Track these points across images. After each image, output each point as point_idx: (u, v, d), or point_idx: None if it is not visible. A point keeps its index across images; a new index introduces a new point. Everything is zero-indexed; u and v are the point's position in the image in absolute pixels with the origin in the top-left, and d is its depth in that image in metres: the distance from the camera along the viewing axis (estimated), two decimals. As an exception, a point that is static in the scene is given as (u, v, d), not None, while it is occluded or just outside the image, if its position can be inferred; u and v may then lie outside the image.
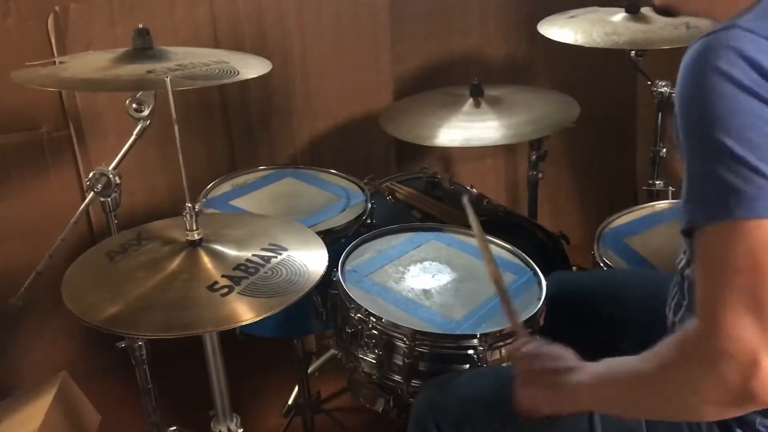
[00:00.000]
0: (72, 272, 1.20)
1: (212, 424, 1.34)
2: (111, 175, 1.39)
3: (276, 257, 1.21)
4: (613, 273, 1.54)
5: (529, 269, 1.46)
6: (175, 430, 1.67)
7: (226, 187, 1.82)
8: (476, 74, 2.02)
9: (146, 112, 1.40)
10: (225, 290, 1.11)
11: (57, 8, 1.84)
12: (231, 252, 1.21)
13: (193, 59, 1.46)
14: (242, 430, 1.35)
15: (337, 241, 1.56)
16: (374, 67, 2.31)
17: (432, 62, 2.40)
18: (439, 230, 1.61)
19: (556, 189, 2.66)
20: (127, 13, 1.91)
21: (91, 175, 1.38)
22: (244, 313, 1.08)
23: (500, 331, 1.26)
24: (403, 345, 1.26)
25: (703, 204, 0.79)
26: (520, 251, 1.51)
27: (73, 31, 1.87)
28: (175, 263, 1.17)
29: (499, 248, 1.54)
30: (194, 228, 1.19)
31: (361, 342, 1.31)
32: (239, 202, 1.74)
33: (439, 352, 1.27)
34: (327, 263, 1.22)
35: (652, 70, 2.00)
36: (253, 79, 1.48)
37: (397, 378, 1.29)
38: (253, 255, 1.21)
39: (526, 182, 2.26)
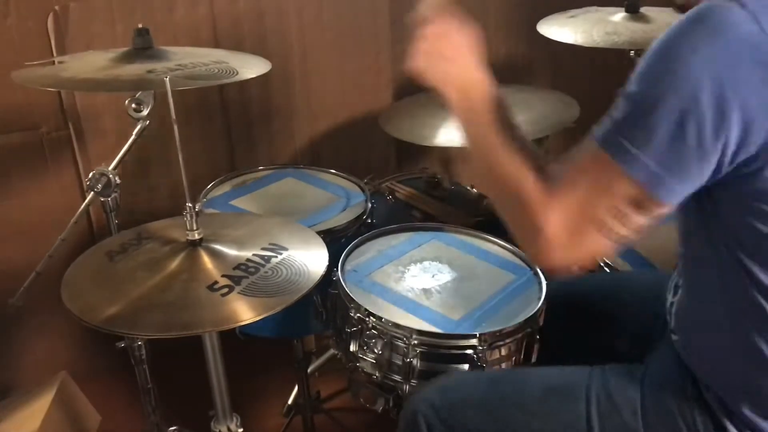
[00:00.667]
0: (72, 272, 1.19)
1: (212, 424, 1.34)
2: (111, 175, 1.39)
3: (276, 257, 1.21)
4: (612, 273, 1.54)
5: (529, 269, 1.46)
6: (175, 430, 1.67)
7: (226, 187, 1.82)
8: (476, 74, 2.02)
9: (146, 112, 1.40)
10: (225, 290, 1.11)
11: (57, 8, 1.84)
12: (231, 252, 1.21)
13: (192, 59, 1.46)
14: (242, 430, 1.35)
15: (337, 241, 1.56)
16: (374, 67, 2.31)
17: (432, 62, 2.40)
18: (439, 230, 1.61)
19: (556, 189, 2.66)
20: (126, 13, 1.91)
21: (91, 175, 1.38)
22: (244, 313, 1.07)
23: (500, 331, 1.26)
24: (403, 345, 1.26)
25: (610, 128, 0.89)
26: (520, 251, 1.51)
27: (73, 31, 1.87)
28: (175, 263, 1.17)
29: (499, 248, 1.54)
30: (194, 228, 1.19)
31: (361, 342, 1.31)
32: (239, 202, 1.74)
33: (438, 352, 1.27)
34: (327, 263, 1.22)
35: (652, 70, 2.00)
36: (253, 79, 1.47)
37: (397, 378, 1.29)
38: (253, 255, 1.21)
39: (527, 182, 2.25)
